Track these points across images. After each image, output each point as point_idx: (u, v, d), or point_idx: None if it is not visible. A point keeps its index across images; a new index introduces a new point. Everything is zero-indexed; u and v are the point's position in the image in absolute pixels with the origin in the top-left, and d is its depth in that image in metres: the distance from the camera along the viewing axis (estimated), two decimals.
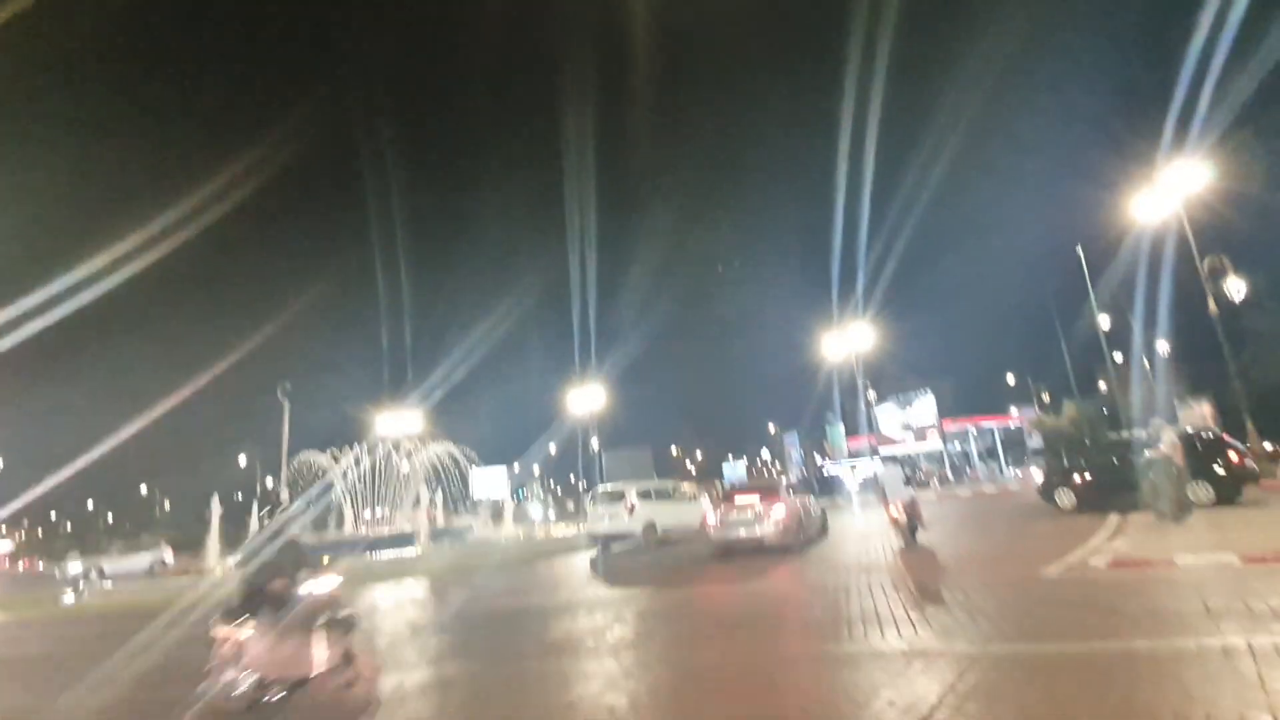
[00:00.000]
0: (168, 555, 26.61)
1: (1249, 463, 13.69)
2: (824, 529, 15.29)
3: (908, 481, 12.79)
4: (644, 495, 16.99)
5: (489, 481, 34.85)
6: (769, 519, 12.91)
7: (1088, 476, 15.34)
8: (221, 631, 4.95)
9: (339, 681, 4.89)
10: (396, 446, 25.48)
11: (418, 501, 23.10)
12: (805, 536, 13.71)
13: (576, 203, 39.59)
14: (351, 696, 4.91)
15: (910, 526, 11.95)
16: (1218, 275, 18.12)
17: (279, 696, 4.75)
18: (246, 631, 4.82)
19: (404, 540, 20.07)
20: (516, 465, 57.96)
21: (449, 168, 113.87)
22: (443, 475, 25.23)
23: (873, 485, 40.86)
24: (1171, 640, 4.71)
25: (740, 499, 13.60)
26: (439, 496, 24.58)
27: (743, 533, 13.05)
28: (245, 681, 4.75)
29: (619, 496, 16.86)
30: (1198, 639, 4.66)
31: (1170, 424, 13.34)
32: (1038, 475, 39.80)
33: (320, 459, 22.74)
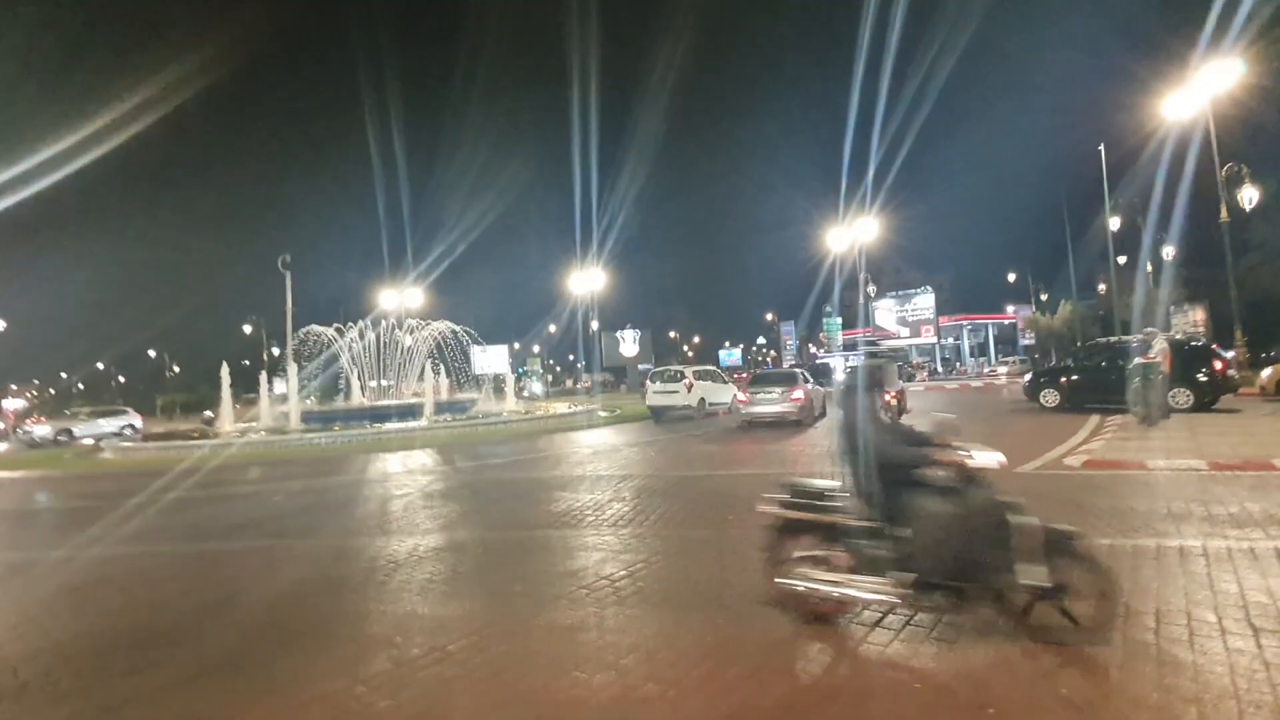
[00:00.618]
0: (136, 420, 27.88)
1: (1231, 372, 14.08)
2: (824, 410, 17.61)
3: (899, 374, 14.58)
4: (698, 376, 20.67)
5: (491, 359, 35.75)
6: (789, 400, 15.80)
7: (1074, 377, 15.75)
8: (792, 514, 3.71)
9: (1051, 602, 3.22)
10: (400, 323, 25.77)
11: (422, 374, 23.77)
12: (813, 415, 16.40)
13: (579, 79, 37.70)
14: (1071, 620, 3.23)
15: (898, 410, 14.36)
16: (1234, 183, 17.72)
17: (936, 610, 3.45)
18: (848, 516, 3.53)
19: (410, 412, 20.72)
20: (517, 344, 58.76)
21: (450, 41, 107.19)
22: (445, 352, 25.66)
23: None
24: (1132, 538, 5.09)
25: (766, 382, 16.79)
26: (442, 371, 25.24)
27: (766, 409, 15.93)
28: (859, 584, 3.47)
29: (678, 376, 20.54)
30: (1157, 539, 5.05)
31: (1163, 332, 13.58)
32: (1002, 371, 40.58)
33: (326, 331, 22.99)
